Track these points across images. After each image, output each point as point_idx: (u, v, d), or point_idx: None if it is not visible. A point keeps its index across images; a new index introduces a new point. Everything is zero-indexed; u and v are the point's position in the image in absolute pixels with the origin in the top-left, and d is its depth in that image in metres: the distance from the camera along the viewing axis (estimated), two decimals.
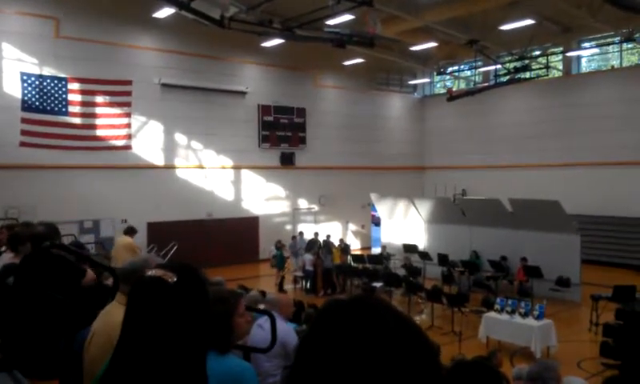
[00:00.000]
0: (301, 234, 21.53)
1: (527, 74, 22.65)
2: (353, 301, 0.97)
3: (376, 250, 22.46)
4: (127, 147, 20.11)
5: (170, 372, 1.40)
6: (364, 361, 0.87)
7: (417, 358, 0.90)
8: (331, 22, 18.50)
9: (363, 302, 0.96)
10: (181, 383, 1.42)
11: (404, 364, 0.88)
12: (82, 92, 18.92)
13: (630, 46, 22.85)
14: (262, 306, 6.42)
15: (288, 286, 18.68)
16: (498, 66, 23.18)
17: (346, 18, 18.17)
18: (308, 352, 0.93)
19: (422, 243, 20.10)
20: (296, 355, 0.95)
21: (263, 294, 9.07)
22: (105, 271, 4.89)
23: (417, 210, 20.75)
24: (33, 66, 18.25)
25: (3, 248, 5.89)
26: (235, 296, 2.82)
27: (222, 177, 23.04)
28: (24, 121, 17.75)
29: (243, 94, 23.38)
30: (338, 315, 0.93)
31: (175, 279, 1.46)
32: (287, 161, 24.88)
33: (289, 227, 24.57)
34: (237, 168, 23.46)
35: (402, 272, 17.66)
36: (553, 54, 23.97)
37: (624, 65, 23.75)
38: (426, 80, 30.07)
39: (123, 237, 12.96)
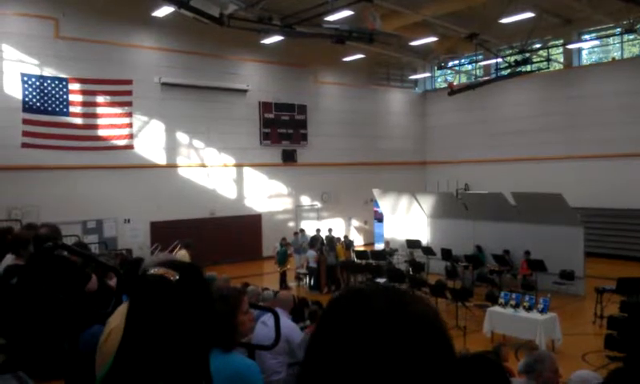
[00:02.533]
0: (302, 230, 21.53)
1: (528, 67, 22.60)
2: (372, 291, 0.94)
3: (379, 246, 22.45)
4: (129, 147, 20.13)
5: (173, 370, 1.39)
6: (375, 351, 0.85)
7: (433, 347, 0.88)
8: (330, 18, 18.48)
9: (385, 291, 0.94)
10: (184, 381, 1.42)
11: (420, 351, 0.86)
12: (83, 92, 18.93)
13: (630, 37, 22.75)
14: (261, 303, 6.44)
15: (291, 283, 18.65)
16: (499, 60, 23.12)
17: (345, 13, 18.14)
18: (320, 339, 0.92)
19: (425, 238, 20.07)
20: (308, 344, 0.95)
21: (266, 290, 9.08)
22: (109, 271, 4.90)
23: (419, 205, 20.72)
24: (33, 67, 18.25)
25: None
26: (238, 293, 2.82)
27: (224, 175, 23.04)
28: (25, 122, 17.76)
29: (244, 91, 23.36)
30: (353, 306, 0.92)
31: (177, 277, 1.46)
32: (289, 158, 24.87)
33: (291, 224, 24.57)
34: (239, 166, 23.46)
35: (405, 267, 17.66)
36: (553, 46, 23.90)
37: (625, 56, 23.66)
38: (427, 75, 29.98)
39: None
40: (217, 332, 2.36)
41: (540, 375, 4.93)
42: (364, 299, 0.91)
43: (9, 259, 4.80)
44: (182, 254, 13.09)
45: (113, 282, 4.62)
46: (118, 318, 2.94)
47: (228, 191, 23.23)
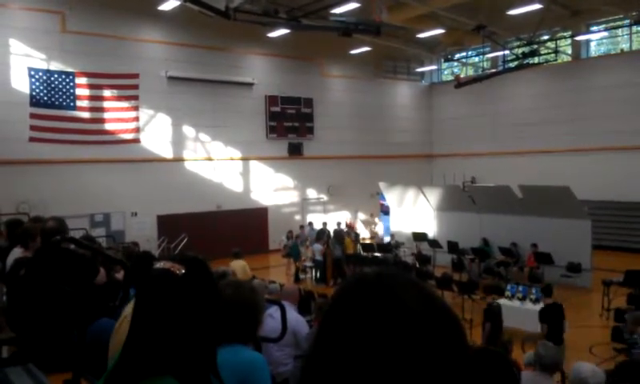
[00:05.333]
0: (310, 224, 21.53)
1: (536, 59, 22.44)
2: (376, 277, 0.92)
3: (385, 239, 22.44)
4: (136, 141, 20.17)
5: (180, 363, 1.41)
6: (389, 339, 0.83)
7: (445, 338, 0.87)
8: (337, 10, 18.41)
9: (388, 279, 0.91)
10: (190, 374, 1.43)
11: (432, 346, 0.85)
12: (90, 86, 18.98)
13: (639, 28, 22.56)
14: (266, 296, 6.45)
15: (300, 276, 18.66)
16: (506, 52, 22.98)
17: (352, 6, 18.07)
18: (330, 327, 0.89)
19: (431, 231, 20.05)
20: (317, 332, 0.92)
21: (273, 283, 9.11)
22: (116, 264, 4.93)
23: (426, 198, 20.69)
24: (40, 61, 18.30)
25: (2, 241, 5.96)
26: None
27: (230, 168, 23.07)
28: (33, 116, 17.83)
29: (250, 85, 23.35)
30: (359, 294, 0.89)
31: (183, 271, 1.47)
32: (295, 151, 24.86)
33: (298, 217, 24.59)
34: (245, 159, 23.48)
35: (411, 260, 17.66)
36: (561, 38, 23.72)
37: (634, 48, 23.46)
38: (434, 67, 29.88)
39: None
40: (244, 325, 2.46)
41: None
42: (392, 291, 0.88)
43: (17, 252, 4.85)
44: (242, 265, 13.22)
45: (120, 274, 4.66)
46: (131, 308, 2.98)
47: (234, 184, 23.27)
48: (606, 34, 24.13)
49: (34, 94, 17.91)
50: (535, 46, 22.00)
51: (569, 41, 24.24)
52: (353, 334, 0.85)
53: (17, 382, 3.44)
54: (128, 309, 3.09)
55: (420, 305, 0.87)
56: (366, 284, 0.91)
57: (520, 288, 12.04)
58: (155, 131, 20.91)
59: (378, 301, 0.87)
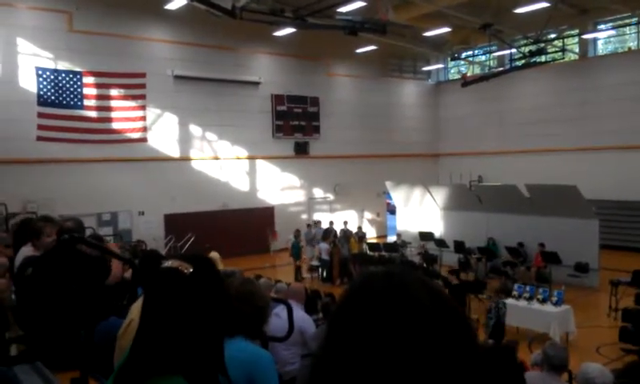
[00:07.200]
0: (317, 223, 21.53)
1: (543, 58, 22.34)
2: (386, 277, 0.92)
3: (392, 238, 22.41)
4: (143, 140, 20.24)
5: (186, 359, 1.41)
6: (400, 337, 0.83)
7: (456, 334, 0.87)
8: (343, 9, 18.41)
9: (398, 277, 0.91)
10: (198, 372, 1.43)
11: (442, 343, 0.85)
12: (97, 85, 19.05)
13: None
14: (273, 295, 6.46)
15: (305, 275, 18.64)
16: (513, 50, 22.89)
17: (358, 4, 18.05)
18: (340, 326, 0.89)
19: (438, 230, 20.01)
20: (327, 332, 0.92)
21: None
22: (125, 263, 4.94)
23: (432, 197, 20.64)
24: (48, 61, 18.39)
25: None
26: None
27: (237, 167, 23.10)
28: (40, 115, 17.92)
29: (256, 84, 23.37)
30: (370, 294, 0.89)
31: (191, 270, 1.48)
32: (301, 150, 24.87)
33: (304, 216, 24.60)
34: (251, 158, 23.51)
35: (418, 259, 17.63)
36: (569, 36, 23.62)
37: None
38: (440, 66, 29.79)
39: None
40: (250, 322, 2.49)
41: None
42: (402, 289, 0.88)
43: (26, 250, 4.88)
44: (219, 257, 13.47)
45: (128, 274, 4.67)
46: (136, 311, 2.99)
47: (241, 183, 23.29)
48: (613, 32, 24.00)
49: (41, 93, 18.00)
50: (542, 45, 21.88)
51: (576, 39, 24.13)
52: (364, 331, 0.85)
53: (25, 380, 3.46)
54: (133, 312, 3.10)
55: (430, 301, 0.88)
56: (376, 282, 0.91)
57: (527, 288, 11.99)
58: (162, 130, 20.97)
59: (388, 298, 0.87)
